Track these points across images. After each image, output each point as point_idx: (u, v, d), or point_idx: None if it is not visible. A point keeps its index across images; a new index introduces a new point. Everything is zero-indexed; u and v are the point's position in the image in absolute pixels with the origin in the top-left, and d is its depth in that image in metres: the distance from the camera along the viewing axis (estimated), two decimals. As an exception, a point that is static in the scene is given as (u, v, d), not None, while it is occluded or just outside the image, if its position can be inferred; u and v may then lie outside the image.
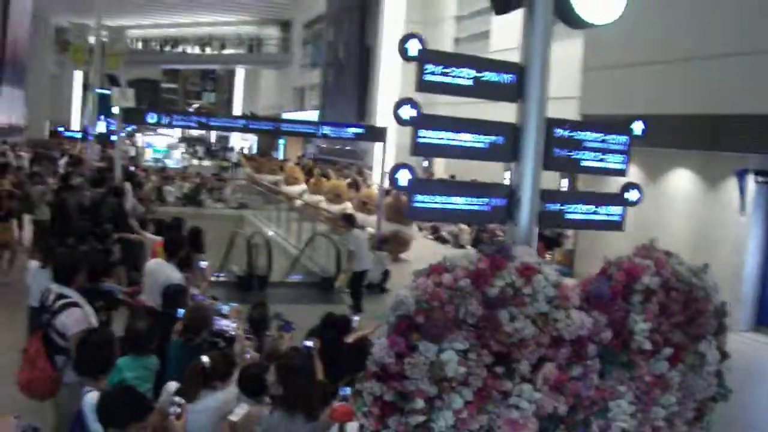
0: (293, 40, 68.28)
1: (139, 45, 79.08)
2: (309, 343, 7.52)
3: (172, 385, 6.18)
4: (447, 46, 38.85)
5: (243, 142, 73.53)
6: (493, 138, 5.32)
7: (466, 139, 5.29)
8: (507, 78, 5.30)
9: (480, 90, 5.29)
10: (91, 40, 34.55)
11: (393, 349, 4.30)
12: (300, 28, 65.49)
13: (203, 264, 10.57)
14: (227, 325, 7.81)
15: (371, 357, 4.37)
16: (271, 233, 24.33)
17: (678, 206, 18.66)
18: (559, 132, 5.48)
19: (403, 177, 5.12)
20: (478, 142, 5.30)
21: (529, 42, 5.33)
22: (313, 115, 53.74)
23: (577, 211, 5.79)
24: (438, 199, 5.24)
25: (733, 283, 16.84)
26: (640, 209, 18.29)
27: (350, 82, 47.54)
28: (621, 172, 5.87)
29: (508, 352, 4.50)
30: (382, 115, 39.74)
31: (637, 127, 5.80)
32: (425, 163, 41.30)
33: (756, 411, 12.17)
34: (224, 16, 70.46)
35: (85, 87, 53.18)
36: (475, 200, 5.34)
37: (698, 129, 17.23)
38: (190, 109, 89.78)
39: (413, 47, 5.07)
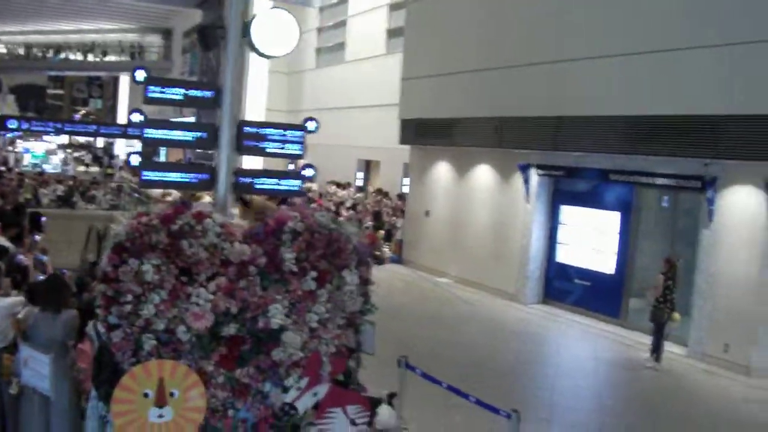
0: (174, 49, 69.77)
1: (21, 51, 79.31)
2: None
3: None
4: (310, 55, 41.41)
5: (129, 149, 74.24)
6: (198, 134, 7.90)
7: (179, 134, 7.84)
8: (208, 93, 7.85)
9: (189, 102, 7.87)
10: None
11: (111, 263, 6.80)
12: (180, 37, 66.99)
13: (44, 258, 13.10)
14: (22, 259, 10.78)
15: (99, 268, 6.91)
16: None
17: (481, 195, 21.56)
18: (247, 129, 8.06)
19: (135, 159, 7.65)
20: (187, 136, 7.86)
21: (225, 68, 7.88)
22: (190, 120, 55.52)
23: (265, 183, 8.35)
24: (160, 174, 7.79)
25: (523, 262, 19.77)
26: (454, 198, 21.53)
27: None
28: (299, 156, 8.39)
29: (190, 268, 7.04)
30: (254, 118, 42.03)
31: (311, 125, 8.35)
32: (290, 166, 43.75)
33: (539, 364, 14.88)
34: (107, 24, 71.28)
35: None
36: (187, 175, 7.91)
37: (489, 130, 20.13)
38: (76, 116, 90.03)
39: (140, 75, 7.56)
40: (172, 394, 7.17)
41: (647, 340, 16.22)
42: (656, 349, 14.91)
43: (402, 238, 25.53)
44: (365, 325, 8.22)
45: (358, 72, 34.27)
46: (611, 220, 18.22)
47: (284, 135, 8.30)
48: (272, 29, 8.11)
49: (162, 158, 64.32)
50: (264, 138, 8.19)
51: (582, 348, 16.30)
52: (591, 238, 18.77)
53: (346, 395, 8.22)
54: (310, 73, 41.50)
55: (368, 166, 36.18)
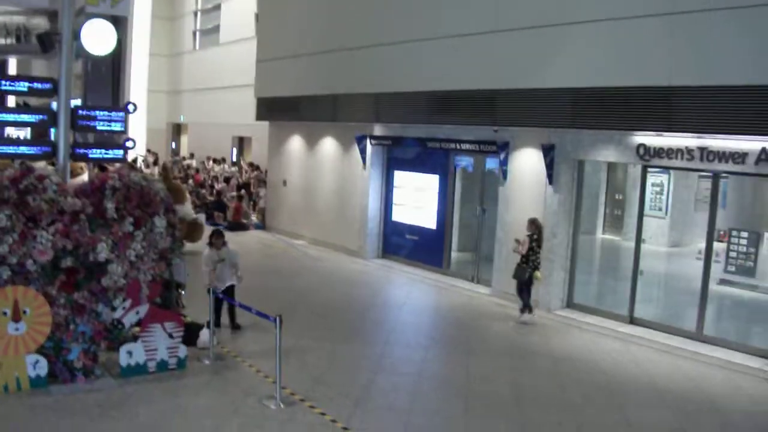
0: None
1: None
2: None
3: None
4: (188, 37, 43.24)
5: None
6: (41, 116, 10.36)
7: (26, 117, 10.29)
8: (47, 85, 10.30)
9: (32, 92, 10.33)
10: None
11: (-29, 215, 9.24)
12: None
13: None
14: None
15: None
16: None
17: (328, 164, 24.21)
18: (80, 112, 10.55)
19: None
20: (32, 118, 10.32)
21: (60, 65, 10.33)
22: (77, 103, 56.64)
23: (97, 153, 10.84)
24: (12, 148, 10.25)
25: (363, 222, 22.49)
26: (306, 168, 24.13)
27: (105, 72, 50.95)
28: (122, 133, 10.88)
29: (35, 216, 9.52)
30: (134, 101, 43.74)
31: (131, 107, 10.87)
32: (173, 144, 45.81)
33: (363, 301, 17.45)
34: (-9, 6, 71.36)
35: None
36: (33, 148, 10.39)
37: (328, 106, 22.84)
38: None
39: (-9, 71, 9.97)
40: (24, 312, 9.74)
41: (464, 284, 19.15)
42: (525, 305, 16.04)
43: (264, 206, 28.05)
44: (176, 259, 10.80)
45: (231, 54, 36.15)
46: (432, 182, 20.90)
47: (110, 115, 10.78)
48: (96, 35, 10.60)
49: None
50: (94, 118, 10.65)
51: (406, 290, 18.96)
52: (418, 199, 21.45)
53: (163, 314, 10.89)
54: (189, 55, 43.07)
55: (242, 142, 38.38)
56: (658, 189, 19.38)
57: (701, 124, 13.49)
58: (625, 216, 19.84)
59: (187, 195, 23.25)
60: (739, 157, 13.58)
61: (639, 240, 16.04)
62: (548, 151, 16.47)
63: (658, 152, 14.78)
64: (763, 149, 13.17)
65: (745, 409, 11.23)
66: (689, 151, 14.28)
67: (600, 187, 20.06)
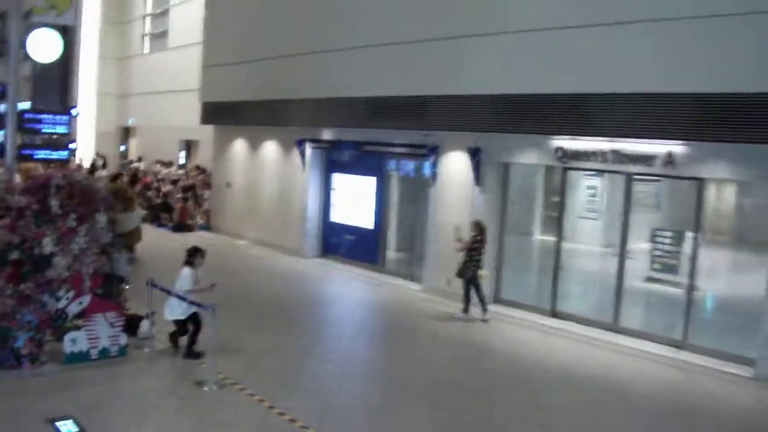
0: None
1: None
2: None
3: None
4: (137, 41, 43.59)
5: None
6: (-10, 120, 11.11)
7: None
8: (-3, 89, 11.05)
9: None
10: None
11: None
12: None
13: None
14: None
15: None
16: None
17: (270, 167, 25.09)
18: (26, 115, 11.31)
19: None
20: (-20, 121, 11.05)
21: (8, 71, 11.08)
22: (26, 105, 56.60)
23: (41, 154, 11.60)
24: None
25: (303, 222, 23.35)
26: (249, 170, 24.90)
27: (54, 75, 51.21)
28: (68, 135, 11.64)
29: (-17, 214, 10.27)
30: (83, 104, 44.18)
31: (74, 111, 11.66)
32: (123, 147, 46.10)
33: (302, 296, 18.22)
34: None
35: None
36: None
37: (268, 111, 23.75)
38: None
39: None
40: (-27, 302, 10.40)
41: (398, 281, 20.07)
42: (467, 303, 16.68)
43: (209, 208, 28.84)
44: (116, 253, 11.59)
45: (179, 58, 36.50)
46: (369, 184, 21.79)
47: (54, 119, 11.55)
48: (42, 43, 11.38)
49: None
50: (40, 121, 11.41)
51: (342, 286, 19.88)
52: (355, 200, 22.33)
53: (105, 304, 11.67)
54: (138, 58, 43.33)
55: (189, 146, 38.83)
56: (592, 192, 20.20)
57: (611, 129, 14.53)
58: (561, 218, 20.74)
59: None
60: (648, 159, 14.66)
61: (560, 238, 17.08)
62: (475, 155, 17.44)
63: (575, 155, 15.84)
64: (669, 152, 14.24)
65: (648, 392, 12.21)
66: (603, 153, 15.35)
67: (537, 190, 20.91)
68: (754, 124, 12.35)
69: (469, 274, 16.53)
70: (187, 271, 12.56)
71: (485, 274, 16.79)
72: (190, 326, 12.39)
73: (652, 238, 16.19)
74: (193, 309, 12.16)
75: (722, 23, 12.79)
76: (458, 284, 17.11)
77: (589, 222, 19.99)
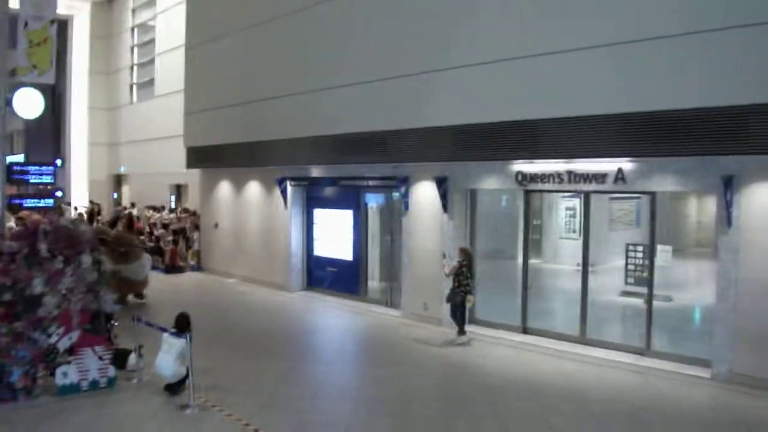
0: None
1: None
2: None
3: None
4: (125, 90, 44.50)
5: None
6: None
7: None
8: (-17, 146, 12.03)
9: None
10: None
11: None
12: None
13: None
14: None
15: None
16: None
17: (254, 206, 26.11)
18: (15, 167, 12.27)
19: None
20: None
21: (-5, 129, 12.04)
22: (20, 158, 57.39)
23: (32, 203, 12.55)
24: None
25: (287, 257, 24.26)
26: (234, 211, 25.94)
27: (47, 126, 52.13)
28: (53, 184, 12.59)
29: (-22, 258, 11.21)
30: (75, 154, 45.24)
31: (58, 162, 12.67)
32: (114, 194, 46.94)
33: (287, 327, 19.01)
34: None
35: None
36: (-28, 201, 12.09)
37: (248, 153, 24.93)
38: None
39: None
40: (-30, 341, 11.29)
41: (380, 309, 20.94)
42: (460, 326, 17.25)
43: (199, 249, 29.78)
44: (102, 291, 12.50)
45: (166, 105, 37.28)
46: (347, 217, 22.67)
47: (40, 169, 12.49)
48: (26, 100, 12.37)
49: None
50: (27, 172, 12.37)
51: (324, 316, 20.74)
52: (335, 234, 23.21)
53: (93, 339, 12.57)
54: (127, 108, 44.17)
55: (179, 189, 39.64)
56: (571, 212, 21.07)
57: (561, 151, 15.52)
58: (543, 240, 21.61)
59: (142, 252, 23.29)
60: (600, 177, 15.64)
61: (526, 259, 17.99)
62: (441, 183, 18.37)
63: (534, 177, 16.81)
64: (620, 169, 15.23)
65: (608, 397, 12.98)
66: (559, 174, 16.33)
67: (518, 214, 21.47)
68: (696, 138, 13.20)
69: (458, 299, 17.09)
70: (182, 342, 12.32)
71: (473, 300, 17.38)
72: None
73: (626, 254, 16.60)
74: (184, 370, 12.41)
75: (668, 44, 13.62)
76: (435, 308, 18.28)
77: (571, 242, 20.51)
